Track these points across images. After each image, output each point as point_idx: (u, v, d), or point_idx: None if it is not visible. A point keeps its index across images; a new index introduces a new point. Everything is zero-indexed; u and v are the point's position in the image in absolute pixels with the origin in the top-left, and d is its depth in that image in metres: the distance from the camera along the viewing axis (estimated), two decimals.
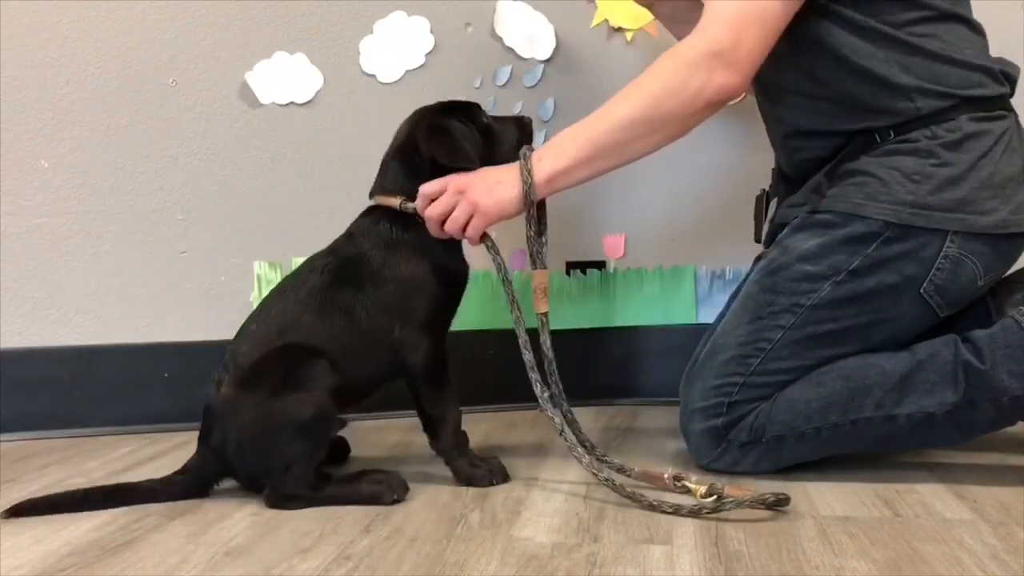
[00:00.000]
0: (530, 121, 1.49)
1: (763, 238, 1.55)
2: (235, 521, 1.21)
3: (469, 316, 1.84)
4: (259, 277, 1.84)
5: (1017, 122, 1.39)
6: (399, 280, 1.35)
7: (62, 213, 1.80)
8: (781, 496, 1.19)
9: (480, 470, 1.35)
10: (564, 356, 1.87)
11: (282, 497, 1.27)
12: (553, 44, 1.85)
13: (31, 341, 1.80)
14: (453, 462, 1.35)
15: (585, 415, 1.72)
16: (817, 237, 1.34)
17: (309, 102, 1.83)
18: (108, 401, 1.80)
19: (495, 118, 1.47)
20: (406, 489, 1.29)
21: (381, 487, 1.28)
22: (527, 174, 1.31)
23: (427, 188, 1.34)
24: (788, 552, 1.06)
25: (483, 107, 1.46)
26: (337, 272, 1.36)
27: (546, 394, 1.32)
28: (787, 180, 1.49)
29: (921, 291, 1.32)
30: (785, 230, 1.41)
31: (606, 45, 1.86)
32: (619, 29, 1.85)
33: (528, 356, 1.32)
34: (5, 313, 1.80)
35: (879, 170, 1.32)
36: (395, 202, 1.37)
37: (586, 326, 1.90)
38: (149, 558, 1.09)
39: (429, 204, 1.34)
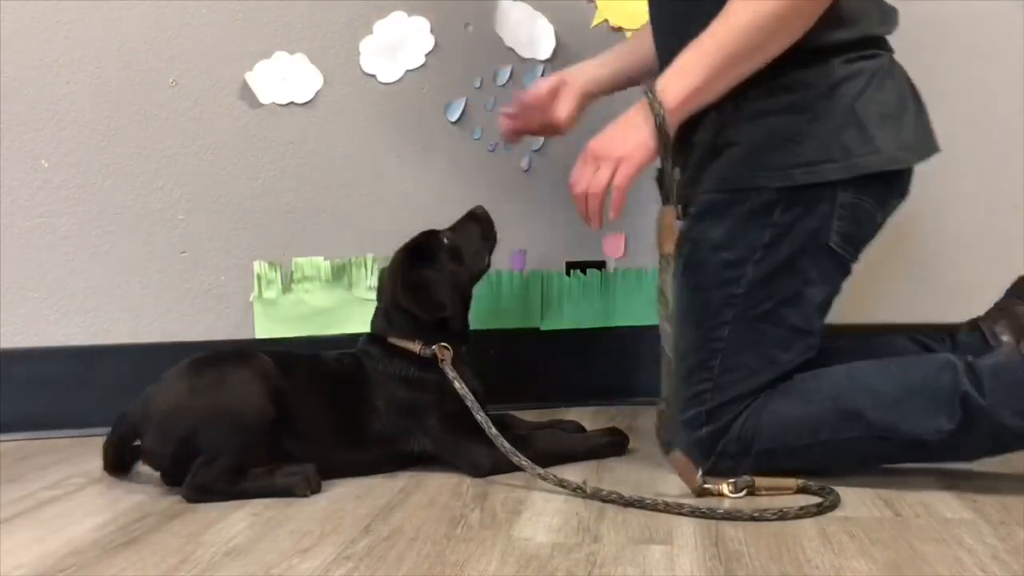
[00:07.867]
0: (481, 209, 1.54)
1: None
2: (235, 521, 1.21)
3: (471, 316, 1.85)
4: (259, 277, 1.84)
5: (891, 58, 1.36)
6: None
7: (62, 213, 1.80)
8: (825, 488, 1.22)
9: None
10: (564, 356, 1.90)
11: (199, 489, 1.28)
12: (553, 44, 1.85)
13: (31, 341, 1.80)
14: None
15: (585, 415, 1.73)
16: (722, 222, 1.33)
17: (309, 102, 1.83)
18: (108, 401, 1.78)
19: (453, 228, 1.52)
20: (318, 483, 1.30)
21: (296, 479, 1.29)
22: (658, 106, 1.24)
23: (572, 178, 1.33)
24: (788, 552, 1.06)
25: (438, 231, 1.51)
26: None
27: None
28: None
29: (830, 243, 1.31)
30: (686, 221, 1.37)
31: (606, 45, 1.85)
32: (619, 29, 1.85)
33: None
34: (5, 313, 1.79)
35: (757, 136, 1.30)
36: (415, 348, 1.44)
37: (586, 326, 1.90)
38: (149, 558, 1.09)
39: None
